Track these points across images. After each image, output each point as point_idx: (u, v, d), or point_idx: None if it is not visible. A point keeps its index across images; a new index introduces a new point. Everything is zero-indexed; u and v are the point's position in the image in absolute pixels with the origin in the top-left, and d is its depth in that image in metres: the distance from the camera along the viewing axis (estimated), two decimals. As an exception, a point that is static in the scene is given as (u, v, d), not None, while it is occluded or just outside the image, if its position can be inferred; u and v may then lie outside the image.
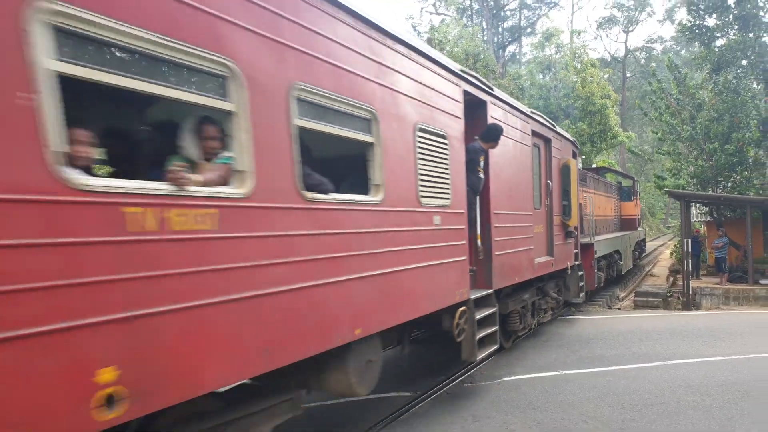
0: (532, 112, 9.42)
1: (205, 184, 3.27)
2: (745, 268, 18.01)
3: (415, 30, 43.30)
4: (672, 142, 22.16)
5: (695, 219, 24.72)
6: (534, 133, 9.27)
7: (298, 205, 3.88)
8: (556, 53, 36.45)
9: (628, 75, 58.39)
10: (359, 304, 4.55)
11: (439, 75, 6.17)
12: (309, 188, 4.06)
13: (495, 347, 7.40)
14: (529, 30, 52.43)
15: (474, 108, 7.21)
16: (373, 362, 5.17)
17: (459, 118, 6.61)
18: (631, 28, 56.89)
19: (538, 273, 9.29)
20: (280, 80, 3.75)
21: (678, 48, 53.06)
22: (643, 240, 28.56)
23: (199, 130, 3.72)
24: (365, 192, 4.85)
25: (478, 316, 6.90)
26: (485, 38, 43.20)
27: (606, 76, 39.04)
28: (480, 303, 7.09)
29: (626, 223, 23.29)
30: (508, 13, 51.53)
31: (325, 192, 4.26)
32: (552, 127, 10.40)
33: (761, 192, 19.89)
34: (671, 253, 28.32)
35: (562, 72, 32.85)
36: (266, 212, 3.61)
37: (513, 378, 8.01)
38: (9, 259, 2.30)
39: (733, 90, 19.88)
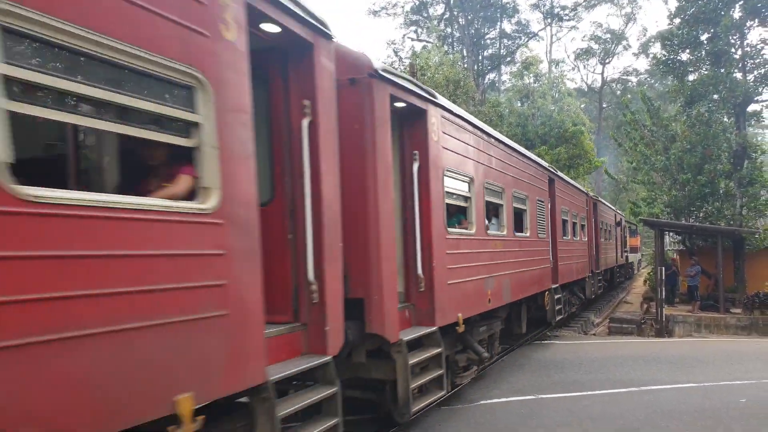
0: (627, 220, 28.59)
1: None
2: (716, 297, 18.31)
3: (396, 55, 43.83)
4: (646, 172, 22.63)
5: (668, 247, 25.25)
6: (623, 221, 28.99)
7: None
8: (534, 82, 37.12)
9: (604, 105, 59.69)
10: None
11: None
12: None
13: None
14: (508, 59, 53.43)
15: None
16: None
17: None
18: (607, 60, 58.35)
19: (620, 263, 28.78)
20: None
21: (652, 81, 54.50)
22: (641, 260, 46.41)
23: None
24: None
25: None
26: (465, 66, 43.90)
27: (582, 105, 39.90)
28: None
29: (633, 249, 39.42)
30: (488, 41, 52.53)
31: None
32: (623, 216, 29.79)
33: (732, 222, 20.35)
34: (645, 281, 28.72)
35: (540, 101, 33.46)
36: None
37: (489, 401, 7.98)
38: None
39: (705, 123, 20.43)
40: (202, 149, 3.32)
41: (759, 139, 31.29)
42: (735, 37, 21.37)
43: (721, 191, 20.81)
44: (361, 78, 5.37)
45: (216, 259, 3.35)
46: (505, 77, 55.73)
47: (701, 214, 21.53)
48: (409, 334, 5.98)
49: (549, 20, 52.87)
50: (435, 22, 48.21)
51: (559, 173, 14.28)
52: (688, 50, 22.00)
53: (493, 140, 9.32)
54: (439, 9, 50.91)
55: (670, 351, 12.22)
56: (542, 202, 12.12)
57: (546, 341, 13.42)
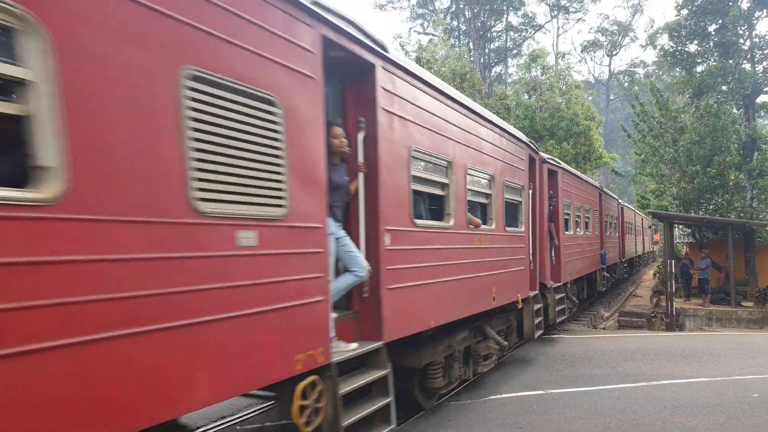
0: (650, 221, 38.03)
1: None
2: (727, 290, 18.19)
3: (403, 48, 43.68)
4: (655, 164, 22.49)
5: (678, 240, 25.14)
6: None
7: None
8: (541, 75, 36.90)
9: (611, 97, 59.33)
10: None
11: None
12: None
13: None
14: (515, 51, 53.15)
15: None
16: None
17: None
18: (614, 52, 57.95)
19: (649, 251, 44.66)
20: None
21: (660, 72, 54.08)
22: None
23: None
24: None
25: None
26: (472, 58, 43.70)
27: (590, 98, 39.62)
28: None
29: (655, 243, 51.57)
30: (494, 34, 52.23)
31: None
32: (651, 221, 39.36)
33: (742, 215, 20.19)
34: (654, 274, 28.59)
35: (548, 93, 33.21)
36: None
37: (499, 396, 7.97)
38: None
39: (714, 114, 20.28)
40: None
41: (769, 130, 31.00)
42: (743, 28, 21.14)
43: (730, 183, 20.66)
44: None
45: None
46: (511, 70, 55.52)
47: (711, 207, 21.40)
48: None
49: (555, 12, 52.49)
50: (441, 15, 47.97)
51: (628, 205, 19.76)
52: (696, 41, 21.81)
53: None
54: (445, 2, 50.63)
55: (681, 345, 12.16)
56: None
57: (555, 335, 13.39)
